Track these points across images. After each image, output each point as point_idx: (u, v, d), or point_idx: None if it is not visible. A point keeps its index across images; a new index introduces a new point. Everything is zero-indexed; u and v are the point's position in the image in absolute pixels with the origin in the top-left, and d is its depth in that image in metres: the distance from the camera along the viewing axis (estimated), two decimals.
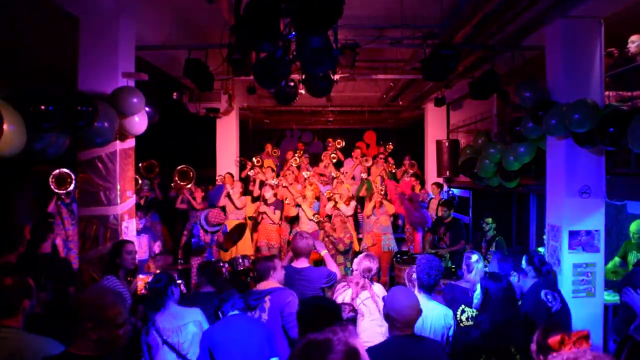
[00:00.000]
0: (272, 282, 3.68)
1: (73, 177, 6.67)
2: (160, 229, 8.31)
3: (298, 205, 8.21)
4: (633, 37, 5.27)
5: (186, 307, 3.67)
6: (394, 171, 11.01)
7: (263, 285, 3.67)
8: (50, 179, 6.77)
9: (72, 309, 2.16)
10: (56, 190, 6.77)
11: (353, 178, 10.61)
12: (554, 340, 2.19)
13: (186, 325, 3.46)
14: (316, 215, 8.05)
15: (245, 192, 9.14)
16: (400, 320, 2.69)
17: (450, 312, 3.57)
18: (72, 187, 6.79)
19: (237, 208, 8.46)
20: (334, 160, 11.09)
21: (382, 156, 11.07)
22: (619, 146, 4.26)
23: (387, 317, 2.78)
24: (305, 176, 9.19)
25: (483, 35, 5.75)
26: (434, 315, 3.46)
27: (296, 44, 3.83)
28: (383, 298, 3.03)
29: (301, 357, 1.38)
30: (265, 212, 8.27)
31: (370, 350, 2.55)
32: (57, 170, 6.83)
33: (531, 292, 3.93)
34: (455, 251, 7.29)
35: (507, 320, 3.11)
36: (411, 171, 10.29)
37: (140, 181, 8.34)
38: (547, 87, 5.23)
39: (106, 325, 2.09)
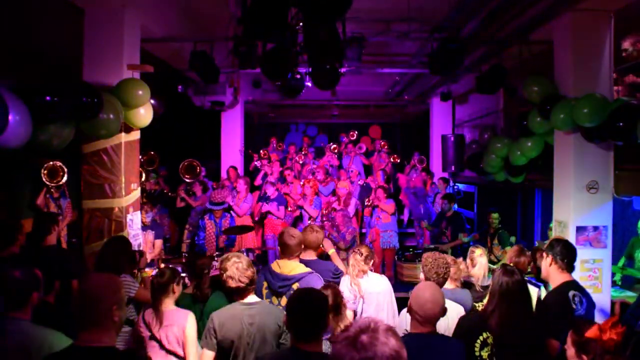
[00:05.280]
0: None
1: (66, 170, 6.57)
2: (167, 223, 8.29)
3: (300, 207, 8.15)
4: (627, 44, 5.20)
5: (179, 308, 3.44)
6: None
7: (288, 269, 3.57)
8: (42, 171, 6.68)
9: (87, 298, 2.05)
10: (47, 183, 6.68)
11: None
12: (591, 332, 2.19)
13: (169, 327, 3.35)
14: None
15: (252, 188, 8.97)
16: (421, 314, 2.59)
17: (462, 309, 3.52)
18: (63, 180, 6.69)
19: (238, 216, 7.60)
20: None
21: (384, 149, 11.00)
22: (628, 141, 4.22)
23: (410, 309, 2.68)
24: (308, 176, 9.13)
25: (490, 29, 5.70)
26: (450, 313, 3.40)
27: (304, 36, 3.81)
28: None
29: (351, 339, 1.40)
30: (269, 211, 8.20)
31: None
32: (51, 162, 6.73)
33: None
34: (457, 245, 7.26)
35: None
36: (420, 167, 10.23)
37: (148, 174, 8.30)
38: (555, 81, 5.18)
39: (123, 304, 2.12)
